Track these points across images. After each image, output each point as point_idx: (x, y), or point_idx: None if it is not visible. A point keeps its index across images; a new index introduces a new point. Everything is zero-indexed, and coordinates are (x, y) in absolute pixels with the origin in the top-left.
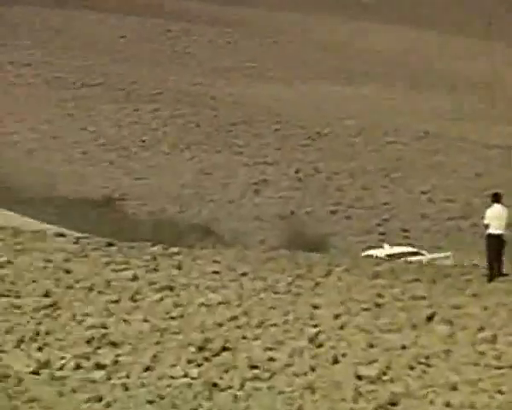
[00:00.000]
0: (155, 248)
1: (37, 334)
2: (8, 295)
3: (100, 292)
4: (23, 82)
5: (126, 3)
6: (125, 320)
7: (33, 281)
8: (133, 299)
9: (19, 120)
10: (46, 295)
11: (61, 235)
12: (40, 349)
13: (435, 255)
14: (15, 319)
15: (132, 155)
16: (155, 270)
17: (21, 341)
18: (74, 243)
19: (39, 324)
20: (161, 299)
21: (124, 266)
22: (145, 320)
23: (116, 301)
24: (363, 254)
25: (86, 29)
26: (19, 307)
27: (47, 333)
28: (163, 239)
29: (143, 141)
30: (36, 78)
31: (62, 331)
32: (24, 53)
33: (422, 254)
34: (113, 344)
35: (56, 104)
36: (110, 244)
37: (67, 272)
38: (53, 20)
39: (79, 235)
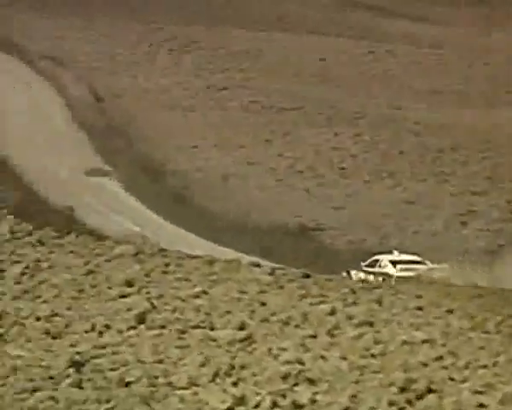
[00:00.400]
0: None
1: (233, 368)
2: (203, 327)
3: (296, 326)
4: (219, 106)
5: (325, 25)
6: (322, 356)
7: (228, 312)
8: (331, 334)
9: (214, 144)
10: (241, 327)
11: (257, 265)
12: (235, 384)
13: (432, 266)
14: (210, 352)
15: (330, 183)
16: (354, 304)
17: (216, 375)
18: (269, 273)
19: (234, 357)
20: (360, 335)
21: (321, 299)
22: (343, 357)
23: (313, 336)
24: (371, 259)
25: (284, 52)
26: (214, 340)
27: (242, 367)
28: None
29: (343, 168)
30: (232, 102)
31: (257, 366)
32: (221, 77)
33: (425, 264)
34: (310, 381)
35: (252, 129)
36: (307, 276)
37: (263, 304)
38: (250, 43)
39: (275, 265)
